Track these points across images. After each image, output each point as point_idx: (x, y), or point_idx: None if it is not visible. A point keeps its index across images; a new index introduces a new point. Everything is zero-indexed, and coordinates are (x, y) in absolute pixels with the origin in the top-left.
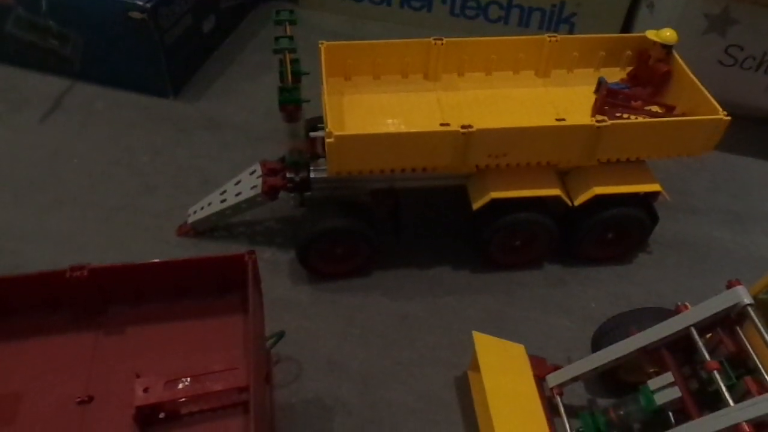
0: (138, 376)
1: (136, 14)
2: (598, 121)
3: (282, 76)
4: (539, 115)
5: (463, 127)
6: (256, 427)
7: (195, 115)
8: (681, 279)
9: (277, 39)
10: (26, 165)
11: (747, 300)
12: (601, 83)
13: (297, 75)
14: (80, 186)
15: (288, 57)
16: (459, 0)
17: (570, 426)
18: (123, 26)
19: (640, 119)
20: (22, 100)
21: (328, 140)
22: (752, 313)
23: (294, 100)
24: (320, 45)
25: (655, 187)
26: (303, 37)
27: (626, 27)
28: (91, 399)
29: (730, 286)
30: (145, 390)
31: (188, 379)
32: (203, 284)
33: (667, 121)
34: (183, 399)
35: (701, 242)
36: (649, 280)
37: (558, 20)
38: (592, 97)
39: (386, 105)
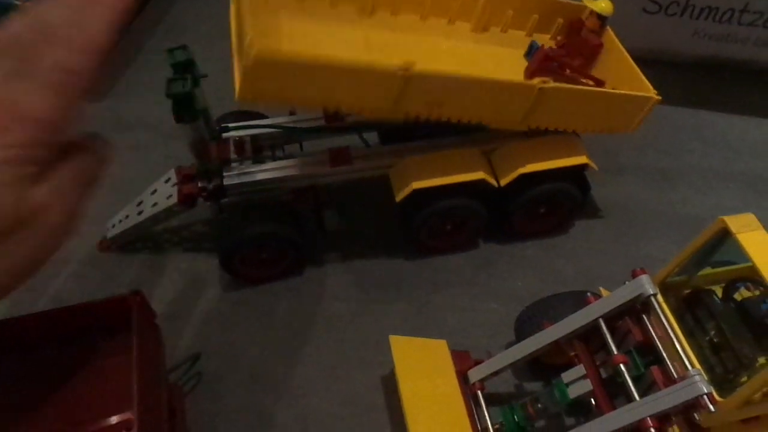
0: None
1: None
2: (543, 82)
3: (174, 106)
4: (469, 71)
5: (402, 68)
6: None
7: (101, 116)
8: (609, 247)
9: (170, 82)
10: None
11: (651, 290)
12: (533, 47)
13: (195, 81)
14: None
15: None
16: None
17: (492, 420)
18: None
19: (580, 87)
20: None
21: (248, 53)
22: (655, 303)
23: (191, 112)
24: None
25: (581, 160)
26: (216, 13)
27: None
28: None
29: (635, 275)
30: None
31: None
32: (93, 328)
33: (607, 92)
34: None
35: (629, 205)
36: (577, 252)
37: None
38: (523, 62)
39: (309, 35)
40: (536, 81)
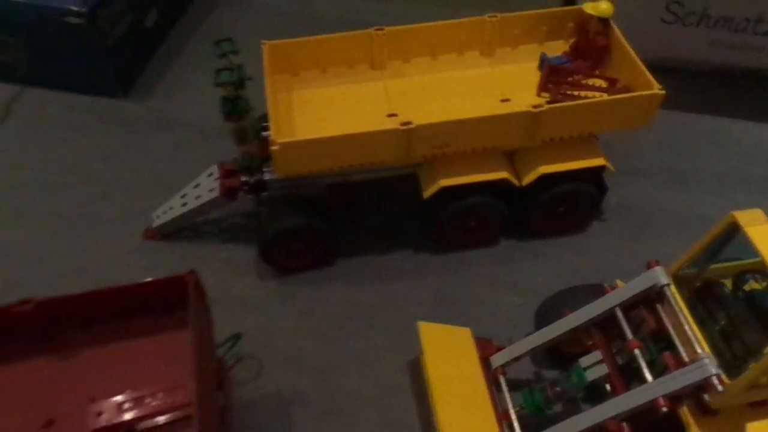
0: (92, 400)
1: (72, 20)
2: (534, 107)
3: (223, 105)
4: (485, 97)
5: (402, 124)
6: None
7: (146, 115)
8: (626, 245)
9: (218, 72)
10: None
11: (664, 281)
12: (543, 60)
13: (241, 81)
14: (35, 197)
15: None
16: None
17: (513, 402)
18: (62, 31)
19: (580, 99)
20: None
21: (272, 147)
22: (668, 293)
23: (239, 111)
24: (263, 45)
25: (599, 162)
26: (252, 19)
27: None
28: (51, 423)
29: (649, 266)
30: (100, 414)
31: (139, 399)
32: (149, 304)
33: (603, 100)
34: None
35: (645, 205)
36: (595, 249)
37: None
38: (538, 73)
39: (334, 98)
40: (529, 106)
